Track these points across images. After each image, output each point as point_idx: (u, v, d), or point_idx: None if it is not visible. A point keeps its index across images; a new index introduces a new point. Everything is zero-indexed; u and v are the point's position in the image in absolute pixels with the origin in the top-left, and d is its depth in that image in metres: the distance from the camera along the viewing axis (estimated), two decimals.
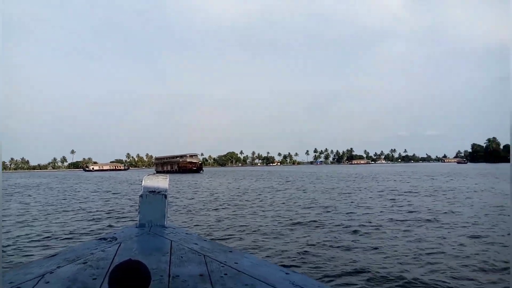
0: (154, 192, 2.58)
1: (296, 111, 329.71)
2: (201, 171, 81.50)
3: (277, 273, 1.60)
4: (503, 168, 65.69)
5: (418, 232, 8.66)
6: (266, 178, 40.85)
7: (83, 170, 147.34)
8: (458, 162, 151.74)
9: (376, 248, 7.21)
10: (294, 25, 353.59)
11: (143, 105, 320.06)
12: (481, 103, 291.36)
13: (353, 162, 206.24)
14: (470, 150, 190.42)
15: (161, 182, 2.72)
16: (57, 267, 1.64)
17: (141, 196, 2.54)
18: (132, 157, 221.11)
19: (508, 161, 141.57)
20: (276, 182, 32.44)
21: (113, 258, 1.75)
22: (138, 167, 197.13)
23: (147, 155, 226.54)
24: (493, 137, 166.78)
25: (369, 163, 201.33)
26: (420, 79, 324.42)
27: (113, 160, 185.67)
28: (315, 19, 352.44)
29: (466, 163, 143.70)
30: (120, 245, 2.03)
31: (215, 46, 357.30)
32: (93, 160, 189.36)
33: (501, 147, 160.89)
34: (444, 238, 8.02)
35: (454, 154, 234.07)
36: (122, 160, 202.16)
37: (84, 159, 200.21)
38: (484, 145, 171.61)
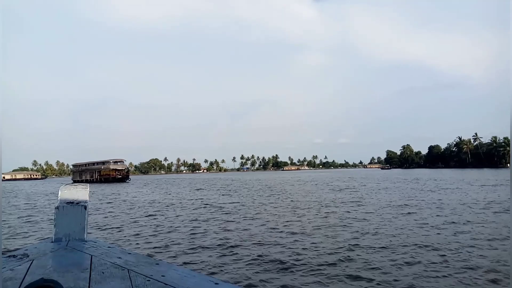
0: (72, 203, 2.21)
1: (220, 118, 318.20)
2: (128, 180, 67.95)
3: (206, 284, 1.48)
4: (424, 173, 63.12)
5: None
6: (205, 189, 30.85)
7: None
8: (382, 168, 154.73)
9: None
10: (216, 32, 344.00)
11: (48, 109, 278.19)
12: (382, 114, 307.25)
13: (284, 169, 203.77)
14: (384, 156, 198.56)
15: (81, 192, 2.32)
16: None
17: (57, 207, 2.16)
18: (40, 164, 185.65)
19: (420, 166, 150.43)
20: (224, 193, 22.92)
21: (24, 278, 1.47)
22: (47, 176, 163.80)
23: (57, 162, 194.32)
24: (407, 144, 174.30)
25: (299, 169, 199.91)
26: (332, 90, 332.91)
27: (17, 168, 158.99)
28: (236, 28, 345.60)
29: (390, 168, 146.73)
30: (32, 262, 1.70)
31: (133, 50, 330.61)
32: None
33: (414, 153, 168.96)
34: None
35: (369, 161, 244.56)
36: (27, 168, 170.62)
37: None
38: (399, 152, 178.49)
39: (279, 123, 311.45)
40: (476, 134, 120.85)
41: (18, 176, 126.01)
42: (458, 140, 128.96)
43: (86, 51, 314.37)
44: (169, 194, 26.87)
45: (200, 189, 32.41)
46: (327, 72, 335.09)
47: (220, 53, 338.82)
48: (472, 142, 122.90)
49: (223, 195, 23.72)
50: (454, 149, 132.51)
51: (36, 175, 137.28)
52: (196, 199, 20.67)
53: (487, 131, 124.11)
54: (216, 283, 1.47)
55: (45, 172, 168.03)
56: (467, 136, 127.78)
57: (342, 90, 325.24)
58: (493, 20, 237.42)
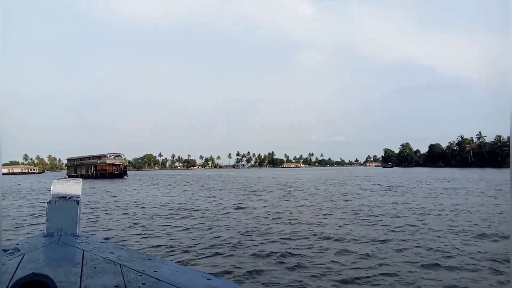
0: (64, 198, 2.17)
1: (219, 116, 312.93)
2: (126, 176, 63.43)
3: (199, 280, 1.45)
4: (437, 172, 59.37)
5: None
6: (219, 187, 26.73)
7: None
8: (383, 166, 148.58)
9: None
10: (217, 30, 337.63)
11: (47, 105, 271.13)
12: (382, 113, 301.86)
13: (284, 166, 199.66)
14: (380, 155, 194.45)
15: (73, 186, 2.28)
16: None
17: (49, 202, 2.13)
18: (31, 159, 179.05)
19: (419, 165, 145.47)
20: (246, 195, 18.84)
21: (14, 272, 1.44)
22: (44, 170, 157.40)
23: (49, 156, 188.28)
24: (407, 143, 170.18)
25: (298, 167, 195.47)
26: (332, 89, 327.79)
27: (7, 162, 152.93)
28: (238, 26, 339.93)
29: (392, 167, 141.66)
30: (23, 257, 1.67)
31: (135, 47, 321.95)
32: None
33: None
34: None
35: (365, 159, 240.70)
36: (18, 162, 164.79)
37: None
38: (398, 150, 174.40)
39: (277, 121, 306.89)
40: (480, 133, 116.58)
41: (15, 170, 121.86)
42: (460, 138, 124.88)
43: (88, 49, 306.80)
44: (190, 194, 22.76)
45: (214, 189, 28.22)
46: (327, 71, 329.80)
47: (221, 51, 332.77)
48: (475, 141, 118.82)
49: (251, 199, 19.58)
50: (455, 148, 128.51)
51: (34, 170, 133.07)
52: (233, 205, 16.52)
53: (490, 133, 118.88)
54: (208, 279, 1.44)
55: (37, 167, 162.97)
56: (469, 136, 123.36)
57: (342, 89, 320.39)
58: (494, 22, 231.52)
